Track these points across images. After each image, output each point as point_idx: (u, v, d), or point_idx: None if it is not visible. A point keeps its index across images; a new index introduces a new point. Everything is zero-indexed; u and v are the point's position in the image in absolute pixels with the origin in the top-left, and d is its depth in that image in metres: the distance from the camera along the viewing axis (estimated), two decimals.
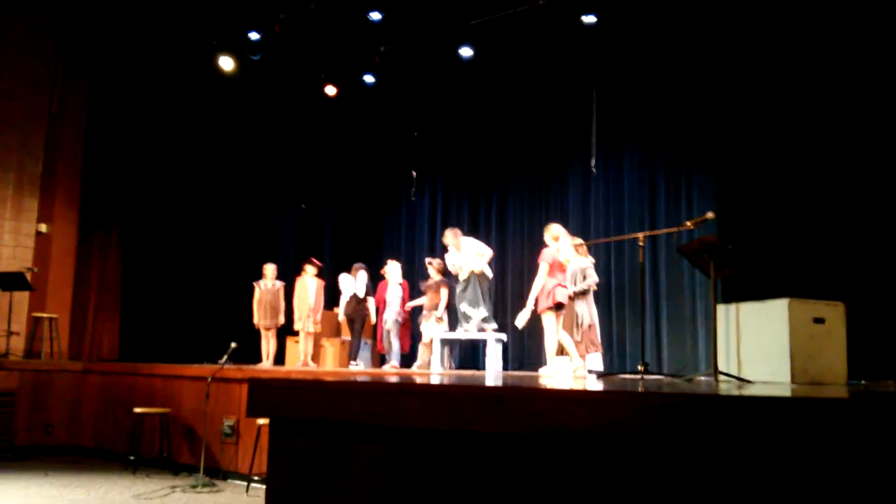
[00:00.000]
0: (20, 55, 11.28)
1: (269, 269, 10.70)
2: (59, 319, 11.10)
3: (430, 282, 9.93)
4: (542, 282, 8.31)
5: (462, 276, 9.50)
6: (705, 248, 5.38)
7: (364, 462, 2.01)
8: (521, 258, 11.19)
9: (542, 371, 8.30)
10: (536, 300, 8.34)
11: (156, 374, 9.45)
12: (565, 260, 8.19)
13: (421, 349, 9.77)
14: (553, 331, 8.19)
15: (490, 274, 9.67)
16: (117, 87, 12.19)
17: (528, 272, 9.95)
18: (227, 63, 11.37)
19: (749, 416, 1.45)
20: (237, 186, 13.07)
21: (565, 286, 8.08)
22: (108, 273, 12.17)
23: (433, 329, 9.53)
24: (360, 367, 9.98)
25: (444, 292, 9.63)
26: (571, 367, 7.80)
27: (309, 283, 10.51)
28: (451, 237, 9.69)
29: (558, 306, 8.15)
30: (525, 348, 10.88)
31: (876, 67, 7.74)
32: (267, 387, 2.31)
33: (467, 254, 9.56)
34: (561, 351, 8.05)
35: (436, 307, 9.65)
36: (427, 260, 10.27)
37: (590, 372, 7.63)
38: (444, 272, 9.90)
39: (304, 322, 10.28)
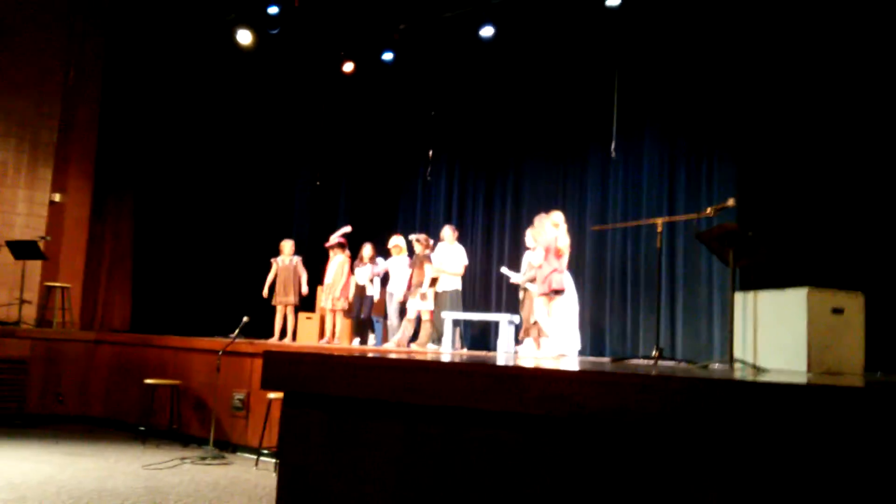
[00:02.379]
0: (35, 27, 11.26)
1: (287, 246, 10.65)
2: (71, 289, 11.14)
3: (414, 258, 9.82)
4: (539, 263, 8.35)
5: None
6: (725, 235, 5.32)
7: (377, 437, 1.99)
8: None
9: (521, 348, 8.47)
10: (531, 282, 8.51)
11: (167, 346, 9.48)
12: (564, 247, 8.25)
13: (404, 324, 9.64)
14: (546, 313, 8.34)
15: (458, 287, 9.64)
16: (134, 58, 12.16)
17: None
18: (244, 37, 11.31)
19: (763, 403, 1.43)
20: (252, 160, 13.05)
21: (562, 272, 8.25)
22: (121, 244, 12.21)
23: (418, 305, 9.45)
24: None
25: (428, 268, 9.50)
26: (554, 348, 8.22)
27: (334, 261, 10.46)
28: (450, 233, 9.71)
29: (555, 292, 8.24)
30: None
31: None
32: (281, 360, 2.29)
33: (452, 257, 9.56)
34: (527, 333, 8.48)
35: (420, 283, 9.56)
36: (413, 236, 10.10)
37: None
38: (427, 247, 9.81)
39: (330, 300, 10.24)
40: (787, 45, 8.43)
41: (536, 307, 8.49)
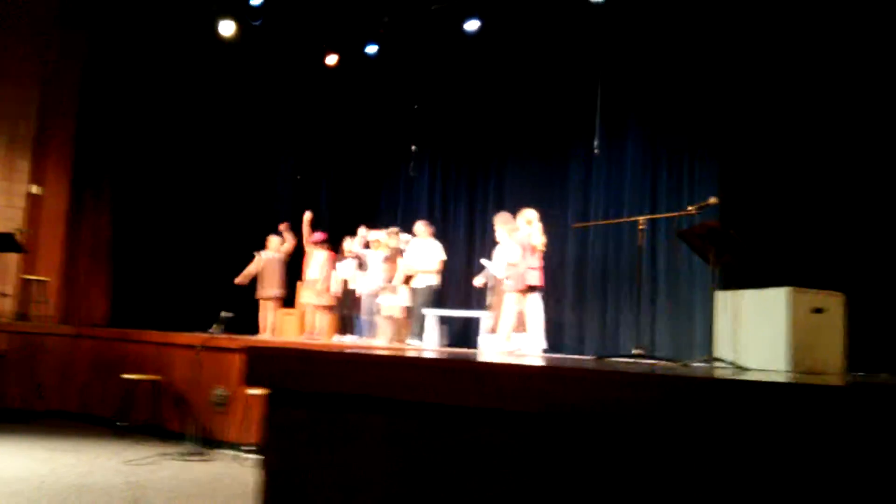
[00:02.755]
0: (13, 17, 11.11)
1: (274, 241, 10.60)
2: (49, 282, 11.02)
3: (388, 252, 9.76)
4: (514, 261, 8.35)
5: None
6: (707, 233, 5.35)
7: (363, 435, 1.98)
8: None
9: (484, 343, 8.46)
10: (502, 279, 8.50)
11: (147, 341, 9.40)
12: (540, 244, 8.26)
13: (381, 323, 9.58)
14: (513, 310, 8.33)
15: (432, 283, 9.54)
16: (114, 49, 12.02)
17: None
18: (227, 28, 11.23)
19: (744, 401, 1.44)
20: (233, 153, 12.96)
21: (537, 269, 8.28)
22: (100, 237, 12.09)
23: (389, 301, 9.39)
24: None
25: (399, 262, 9.45)
26: (533, 344, 8.29)
27: (315, 256, 10.42)
28: (423, 228, 9.59)
29: (530, 288, 8.27)
30: None
31: (881, 55, 7.68)
32: (266, 357, 2.26)
33: (426, 253, 9.48)
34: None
35: (391, 279, 9.47)
36: (390, 229, 10.03)
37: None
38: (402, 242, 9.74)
39: (311, 295, 10.21)
40: (769, 45, 8.47)
41: (508, 303, 8.44)
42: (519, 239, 8.41)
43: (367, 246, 10.27)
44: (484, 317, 9.46)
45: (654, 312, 9.79)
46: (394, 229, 9.78)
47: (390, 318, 9.39)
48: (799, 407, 1.38)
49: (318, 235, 10.51)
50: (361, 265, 10.24)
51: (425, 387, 1.86)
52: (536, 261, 8.34)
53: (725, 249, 5.36)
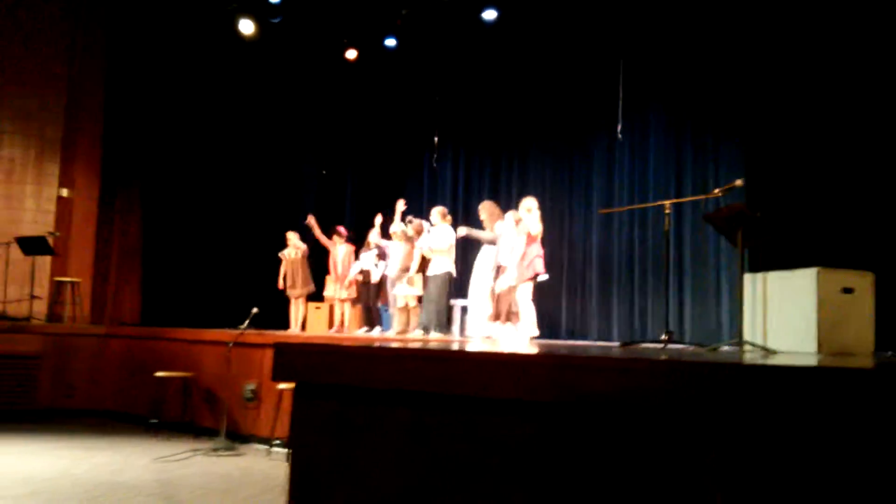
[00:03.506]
0: (38, 21, 11.25)
1: (292, 238, 10.65)
2: (80, 283, 11.17)
3: (404, 242, 9.67)
4: (522, 250, 8.31)
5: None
6: (733, 216, 5.29)
7: (389, 428, 1.99)
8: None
9: (501, 334, 8.42)
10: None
11: (177, 339, 9.50)
12: (536, 233, 8.29)
13: (397, 314, 9.54)
14: (528, 299, 8.29)
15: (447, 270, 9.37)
16: (137, 50, 12.15)
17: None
18: (247, 26, 11.28)
19: (773, 386, 1.42)
20: (258, 150, 13.05)
21: (540, 256, 8.26)
22: (130, 237, 12.23)
23: (405, 291, 9.35)
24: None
25: (416, 253, 9.41)
26: (528, 333, 8.25)
27: (339, 251, 10.47)
28: (437, 215, 9.50)
29: (536, 276, 8.26)
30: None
31: None
32: (292, 351, 2.28)
33: (438, 237, 9.40)
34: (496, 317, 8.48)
35: (407, 269, 9.42)
36: (407, 219, 9.93)
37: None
38: (420, 233, 9.65)
39: (336, 289, 10.27)
40: (794, 24, 8.36)
41: (523, 294, 8.38)
42: (523, 228, 8.38)
43: (386, 236, 10.25)
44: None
45: (681, 297, 9.73)
46: (415, 220, 9.74)
47: (405, 307, 9.37)
48: (830, 391, 1.36)
49: (341, 230, 10.55)
50: (383, 256, 10.22)
51: (449, 379, 1.86)
52: (538, 248, 8.32)
53: (753, 232, 5.30)
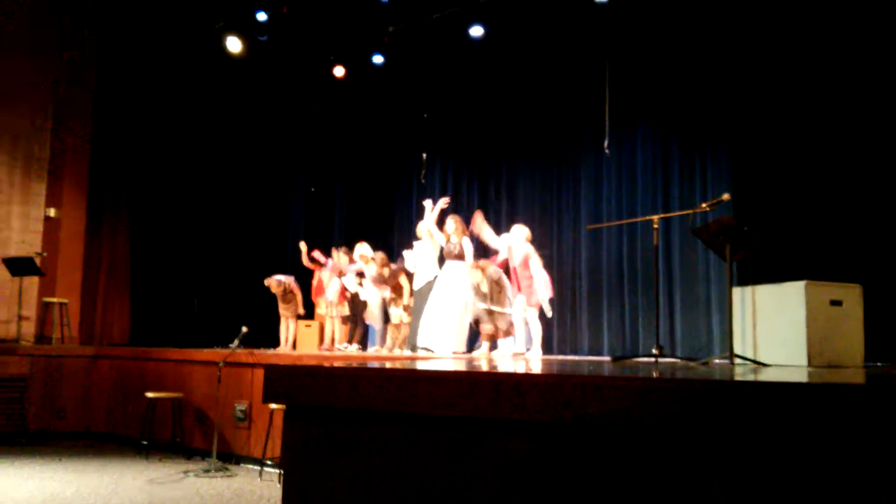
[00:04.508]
0: (25, 40, 11.24)
1: (270, 284, 10.55)
2: (69, 304, 11.11)
3: (378, 274, 9.59)
4: (541, 273, 8.39)
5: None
6: (721, 229, 5.32)
7: (380, 449, 1.98)
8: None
9: (521, 352, 8.43)
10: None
11: (167, 359, 9.46)
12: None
13: (390, 331, 9.51)
14: (537, 318, 8.38)
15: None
16: (124, 69, 12.14)
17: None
18: (234, 44, 11.29)
19: (765, 402, 1.43)
20: (246, 169, 13.04)
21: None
22: (118, 257, 12.18)
23: (399, 312, 9.36)
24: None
25: (403, 280, 9.41)
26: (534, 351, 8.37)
27: (326, 273, 10.47)
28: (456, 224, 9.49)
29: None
30: None
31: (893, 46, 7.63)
32: (282, 373, 2.28)
33: (426, 254, 9.42)
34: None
35: (401, 296, 9.44)
36: (371, 256, 9.83)
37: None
38: (387, 264, 9.62)
39: (328, 308, 10.26)
40: (780, 37, 8.42)
41: (532, 317, 8.43)
42: (532, 252, 8.47)
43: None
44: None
45: (671, 311, 9.75)
46: (379, 255, 9.71)
47: (398, 324, 9.36)
48: (823, 407, 1.37)
49: (322, 259, 10.56)
50: (362, 274, 10.26)
51: (440, 400, 1.86)
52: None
53: (741, 245, 5.33)
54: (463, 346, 8.83)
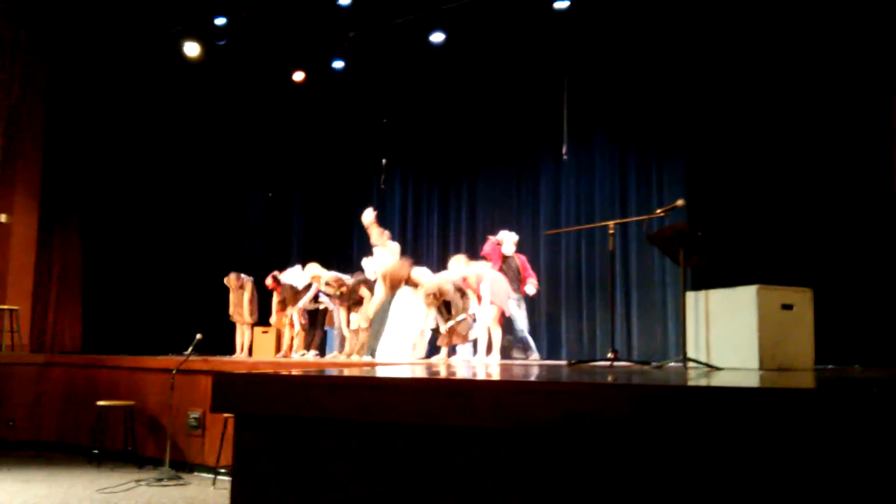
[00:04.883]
0: None
1: (229, 280, 10.44)
2: (19, 311, 10.88)
3: (340, 292, 9.44)
4: (493, 288, 8.49)
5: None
6: (675, 235, 5.38)
7: (332, 458, 1.96)
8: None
9: (482, 359, 8.45)
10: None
11: (119, 367, 9.30)
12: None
13: (349, 336, 9.43)
14: (497, 324, 8.45)
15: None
16: (78, 75, 11.93)
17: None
18: (192, 49, 11.16)
19: (716, 407, 1.44)
20: (202, 175, 12.87)
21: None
22: (70, 264, 11.95)
23: (360, 318, 9.31)
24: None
25: (364, 291, 9.38)
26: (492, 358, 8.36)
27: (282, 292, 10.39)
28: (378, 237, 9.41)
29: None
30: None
31: (845, 55, 7.79)
32: (231, 382, 2.24)
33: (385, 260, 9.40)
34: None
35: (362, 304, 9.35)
36: (325, 278, 9.58)
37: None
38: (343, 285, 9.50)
39: (282, 313, 10.18)
40: (734, 49, 8.55)
41: (495, 322, 8.47)
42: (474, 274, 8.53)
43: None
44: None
45: (627, 315, 9.84)
46: (332, 278, 9.60)
47: (356, 330, 9.30)
48: (773, 411, 1.38)
49: (269, 281, 10.41)
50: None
51: (393, 408, 1.85)
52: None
53: (694, 251, 5.39)
54: (422, 353, 8.84)
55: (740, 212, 8.20)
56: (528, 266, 9.01)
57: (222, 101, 12.67)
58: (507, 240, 8.58)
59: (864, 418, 1.31)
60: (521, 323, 8.46)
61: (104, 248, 12.04)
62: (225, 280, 10.47)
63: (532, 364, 7.97)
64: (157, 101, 12.32)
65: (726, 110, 8.60)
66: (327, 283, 9.39)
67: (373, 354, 8.88)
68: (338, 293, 9.34)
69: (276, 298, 10.38)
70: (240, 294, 10.47)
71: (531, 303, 10.11)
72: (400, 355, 8.62)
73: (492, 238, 8.63)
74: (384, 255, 9.34)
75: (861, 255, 7.51)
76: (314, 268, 9.84)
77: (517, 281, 8.82)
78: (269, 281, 10.37)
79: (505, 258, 8.60)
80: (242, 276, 10.53)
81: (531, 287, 9.03)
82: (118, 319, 11.75)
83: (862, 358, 7.11)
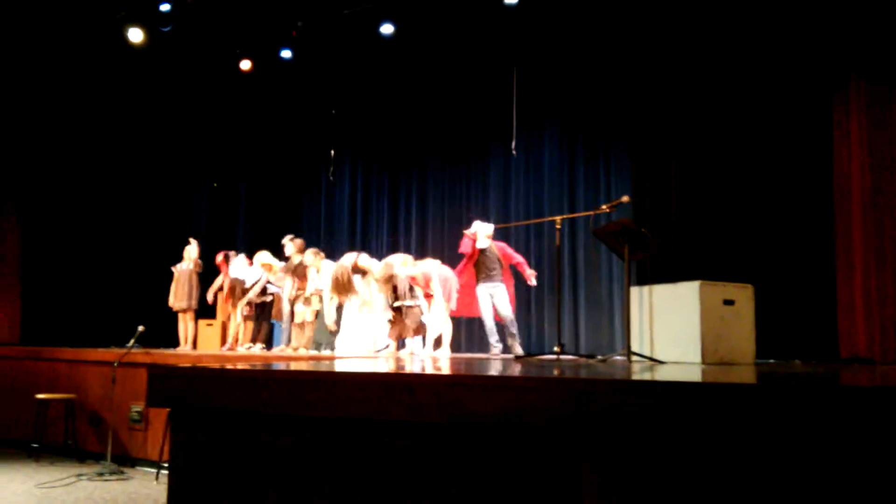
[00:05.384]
0: None
1: (187, 251, 10.32)
2: None
3: (291, 263, 9.48)
4: (445, 273, 8.52)
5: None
6: (620, 230, 5.44)
7: (270, 453, 1.94)
8: (440, 240, 11.15)
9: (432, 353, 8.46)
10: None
11: (59, 359, 9.10)
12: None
13: (294, 332, 9.33)
14: (447, 317, 8.44)
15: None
16: (16, 60, 11.57)
17: (448, 253, 9.92)
18: (135, 35, 10.91)
19: (658, 400, 1.46)
20: (147, 164, 12.60)
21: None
22: (7, 255, 11.61)
23: (303, 309, 9.24)
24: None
25: (311, 272, 9.32)
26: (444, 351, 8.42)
27: (232, 271, 10.22)
28: (312, 257, 9.28)
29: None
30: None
31: (787, 58, 7.94)
32: (167, 375, 2.20)
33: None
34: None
35: (304, 289, 9.28)
36: (288, 237, 9.71)
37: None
38: (303, 251, 9.44)
39: (230, 308, 10.03)
40: (683, 49, 8.66)
41: (440, 311, 8.45)
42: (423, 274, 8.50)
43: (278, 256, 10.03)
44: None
45: (575, 309, 9.94)
46: (298, 239, 9.57)
47: (301, 323, 9.22)
48: (712, 403, 1.39)
49: (220, 257, 10.30)
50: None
51: (330, 402, 1.83)
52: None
53: (638, 246, 5.46)
54: (381, 345, 8.83)
55: (684, 209, 8.32)
56: (510, 252, 8.83)
57: (167, 90, 12.42)
58: (481, 232, 8.54)
59: (803, 413, 1.33)
60: (505, 310, 8.43)
61: (44, 237, 11.71)
62: (185, 250, 10.34)
63: (479, 358, 8.00)
64: (99, 88, 12.01)
65: (672, 109, 8.71)
66: (291, 239, 9.42)
67: (318, 348, 8.83)
68: (294, 257, 9.30)
69: (221, 278, 10.23)
70: (186, 274, 10.22)
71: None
72: (360, 348, 8.61)
73: (467, 233, 8.56)
74: (326, 267, 9.24)
75: (801, 253, 7.68)
76: (265, 256, 9.73)
77: (498, 269, 8.66)
78: (219, 258, 10.24)
79: (482, 251, 8.49)
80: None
81: (531, 279, 8.86)
82: (58, 310, 11.45)
83: (802, 353, 7.27)
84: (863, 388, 1.34)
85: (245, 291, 9.91)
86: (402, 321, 8.42)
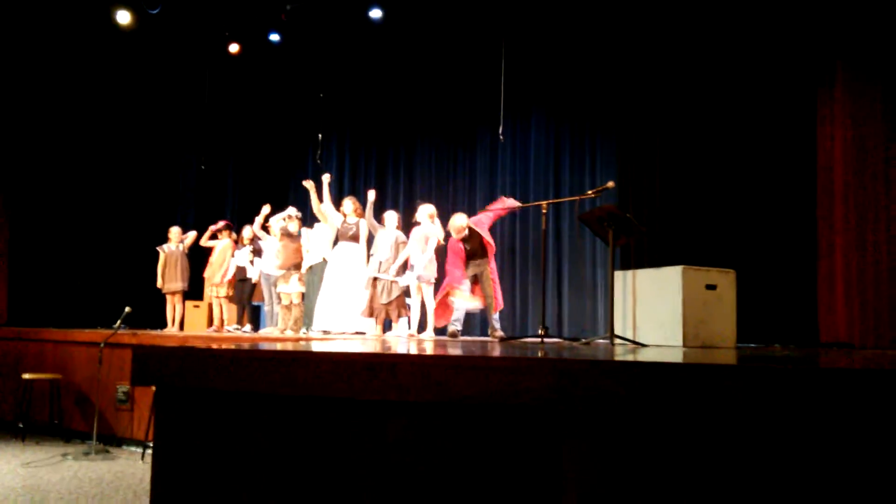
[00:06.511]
0: None
1: (173, 233, 10.34)
2: None
3: (287, 227, 9.43)
4: (430, 255, 8.39)
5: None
6: (605, 216, 5.48)
7: (254, 432, 1.96)
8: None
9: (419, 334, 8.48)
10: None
11: (46, 339, 9.09)
12: (440, 238, 8.50)
13: (282, 312, 9.33)
14: (432, 298, 8.39)
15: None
16: (1, 42, 11.47)
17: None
18: (123, 17, 10.85)
19: (640, 381, 1.48)
20: (135, 146, 12.56)
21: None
22: None
23: (287, 289, 9.23)
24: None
25: (299, 248, 9.30)
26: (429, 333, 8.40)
27: (218, 246, 10.21)
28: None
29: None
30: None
31: (773, 47, 7.99)
32: (152, 354, 2.23)
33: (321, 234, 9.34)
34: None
35: (297, 266, 9.23)
36: (288, 213, 9.58)
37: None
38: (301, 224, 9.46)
39: (217, 288, 10.02)
40: (670, 37, 8.70)
41: (429, 294, 8.45)
42: (424, 233, 8.45)
43: (265, 229, 9.97)
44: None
45: (559, 293, 10.00)
46: (294, 211, 9.55)
47: (289, 305, 9.23)
48: (694, 384, 1.43)
49: (220, 223, 10.31)
50: (258, 253, 10.02)
51: (316, 382, 1.86)
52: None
53: (623, 231, 5.51)
54: (361, 326, 8.84)
55: (669, 195, 8.38)
56: (483, 226, 8.77)
57: (155, 72, 12.36)
58: (422, 213, 8.57)
59: (781, 394, 1.37)
60: (489, 289, 8.45)
61: (31, 218, 11.67)
62: (169, 231, 10.36)
63: (463, 340, 8.04)
64: (87, 69, 11.94)
65: (658, 97, 8.76)
66: (288, 217, 9.38)
67: (307, 329, 8.84)
68: (293, 231, 9.28)
69: (220, 238, 10.25)
70: (173, 255, 10.22)
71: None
72: (344, 325, 8.61)
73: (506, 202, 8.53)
74: (323, 228, 9.28)
75: (782, 240, 7.76)
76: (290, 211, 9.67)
77: (481, 254, 8.60)
78: (220, 223, 10.26)
79: (465, 240, 8.40)
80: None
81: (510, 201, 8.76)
82: (45, 291, 11.43)
83: (782, 338, 7.37)
84: (840, 370, 1.38)
85: (245, 281, 9.96)
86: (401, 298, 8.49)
